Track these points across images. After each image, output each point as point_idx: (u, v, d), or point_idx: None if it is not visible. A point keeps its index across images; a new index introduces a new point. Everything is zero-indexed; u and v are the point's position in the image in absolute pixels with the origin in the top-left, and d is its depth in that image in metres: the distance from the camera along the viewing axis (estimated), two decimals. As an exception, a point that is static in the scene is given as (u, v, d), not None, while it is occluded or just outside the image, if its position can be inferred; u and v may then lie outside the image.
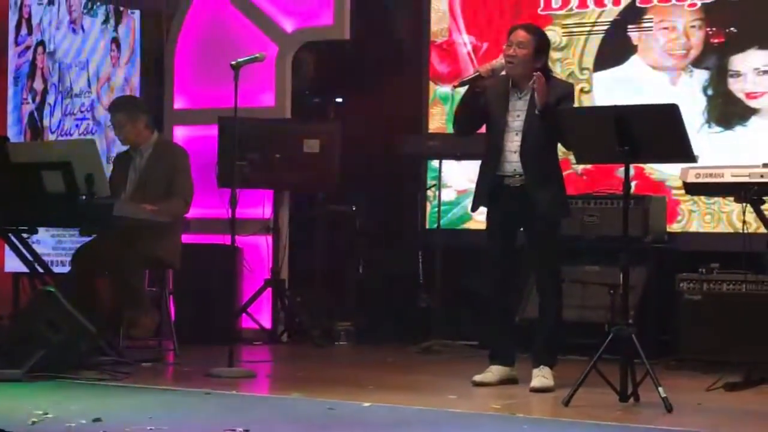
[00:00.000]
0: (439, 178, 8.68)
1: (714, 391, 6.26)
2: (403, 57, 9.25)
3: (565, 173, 6.70)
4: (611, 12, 8.50)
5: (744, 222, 6.53)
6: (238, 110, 6.97)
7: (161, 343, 8.25)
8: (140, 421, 5.07)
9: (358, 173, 8.91)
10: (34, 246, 7.47)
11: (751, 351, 6.83)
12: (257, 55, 7.20)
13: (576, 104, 7.21)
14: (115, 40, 9.77)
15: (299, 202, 9.33)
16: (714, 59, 8.19)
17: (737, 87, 8.11)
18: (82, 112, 9.91)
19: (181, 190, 7.70)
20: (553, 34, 8.32)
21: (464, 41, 9.00)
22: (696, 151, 5.88)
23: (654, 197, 8.00)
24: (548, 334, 6.49)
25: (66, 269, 8.45)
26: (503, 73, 6.47)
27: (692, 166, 6.31)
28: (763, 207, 6.42)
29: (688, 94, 8.15)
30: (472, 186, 6.76)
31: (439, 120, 9.05)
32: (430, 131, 9.02)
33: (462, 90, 6.62)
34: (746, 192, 6.23)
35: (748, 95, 8.08)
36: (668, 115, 5.75)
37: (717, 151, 8.02)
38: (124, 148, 8.00)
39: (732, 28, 8.13)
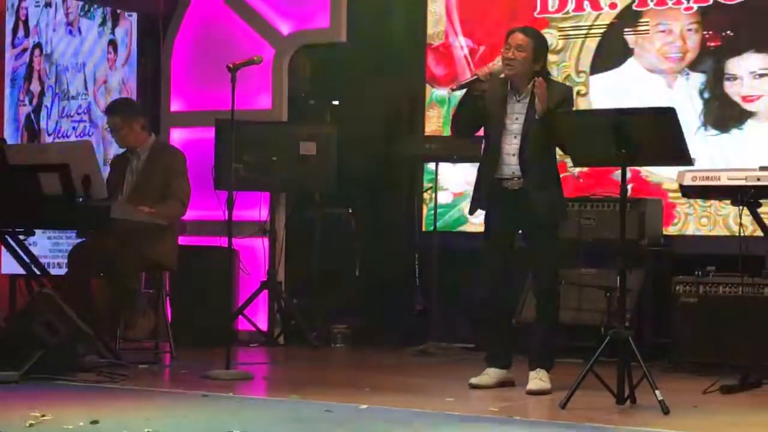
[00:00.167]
0: (435, 180, 8.68)
1: (710, 393, 6.27)
2: (399, 60, 9.25)
3: (561, 176, 6.70)
4: (608, 15, 8.51)
5: (740, 225, 6.54)
6: (235, 112, 6.98)
7: (158, 345, 8.23)
8: (137, 423, 5.07)
9: (354, 175, 8.92)
10: (31, 248, 7.47)
11: (748, 354, 6.84)
12: (254, 57, 7.21)
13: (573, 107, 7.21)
14: (112, 43, 9.77)
15: (296, 204, 9.33)
16: (710, 62, 8.20)
17: (733, 90, 8.12)
18: (78, 114, 9.91)
19: (178, 192, 7.70)
20: (550, 37, 8.32)
21: (461, 44, 9.00)
22: (692, 154, 5.89)
23: (650, 200, 8.00)
24: (545, 337, 6.49)
25: (63, 271, 8.44)
26: (502, 75, 6.48)
27: (689, 169, 6.32)
28: (759, 210, 6.43)
29: (685, 98, 8.16)
30: (469, 188, 6.77)
31: (436, 122, 9.06)
32: (426, 134, 9.03)
33: (460, 93, 6.63)
34: (743, 195, 6.25)
35: (745, 98, 8.09)
36: (665, 119, 5.76)
37: (713, 154, 8.05)
38: (121, 150, 8.01)
39: (728, 32, 8.13)
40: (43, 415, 5.15)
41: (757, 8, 8.06)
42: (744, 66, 8.08)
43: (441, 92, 9.05)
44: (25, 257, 7.21)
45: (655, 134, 5.77)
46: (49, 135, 10.06)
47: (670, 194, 8.14)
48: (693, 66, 8.25)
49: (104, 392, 6.21)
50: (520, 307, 7.89)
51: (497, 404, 5.90)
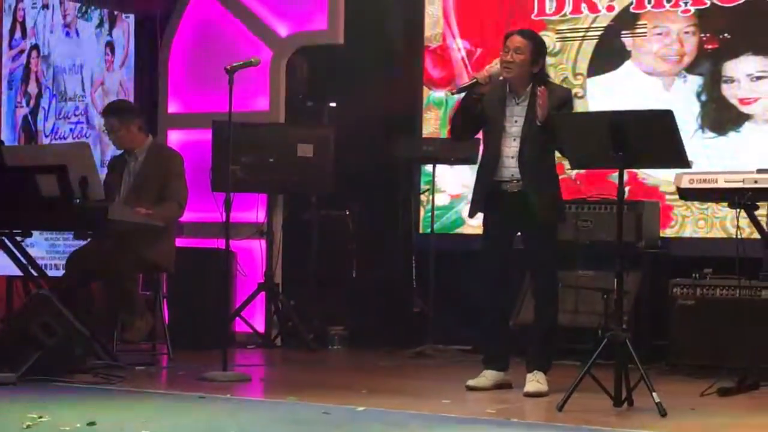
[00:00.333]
0: (432, 182, 8.68)
1: (708, 396, 6.27)
2: (397, 62, 9.25)
3: (559, 177, 6.70)
4: (605, 17, 8.51)
5: (737, 227, 6.54)
6: (233, 114, 6.98)
7: (155, 346, 8.26)
8: (134, 425, 5.07)
9: (351, 177, 8.91)
10: (28, 249, 7.46)
11: (745, 356, 6.84)
12: (252, 59, 7.21)
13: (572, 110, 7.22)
14: (110, 44, 9.77)
15: (293, 206, 9.33)
16: (707, 65, 8.21)
17: (731, 93, 8.12)
18: (76, 115, 9.90)
19: (176, 194, 7.71)
20: (547, 39, 8.29)
21: (458, 46, 9.01)
22: (690, 157, 5.89)
23: (647, 202, 8.01)
24: (543, 339, 6.49)
25: (60, 272, 8.44)
26: (501, 78, 6.48)
27: (686, 171, 6.32)
28: (756, 212, 6.44)
29: (682, 100, 8.16)
30: (466, 191, 6.78)
31: (433, 124, 9.06)
32: (423, 136, 9.03)
33: (458, 95, 6.63)
34: (740, 197, 6.24)
35: (742, 101, 8.10)
36: (663, 121, 5.76)
37: (710, 156, 8.05)
38: (119, 151, 8.00)
39: (725, 34, 8.14)
40: (41, 417, 5.14)
41: (754, 11, 8.07)
42: (741, 69, 8.08)
43: (438, 94, 9.05)
44: (22, 259, 7.20)
45: (652, 137, 5.78)
46: (46, 136, 10.06)
47: (667, 196, 8.15)
48: (690, 68, 8.26)
49: (101, 394, 6.20)
50: (518, 309, 7.89)
51: (494, 406, 5.90)
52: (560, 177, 6.71)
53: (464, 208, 8.62)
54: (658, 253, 7.99)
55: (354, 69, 9.17)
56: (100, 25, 9.82)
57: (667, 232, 8.18)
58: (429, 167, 8.75)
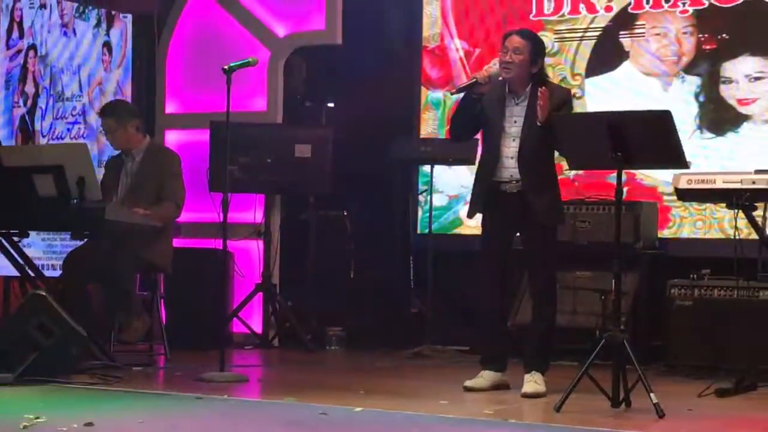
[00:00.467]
0: (430, 183, 8.68)
1: (705, 396, 6.26)
2: (395, 62, 9.25)
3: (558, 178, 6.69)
4: (603, 18, 8.51)
5: (735, 228, 6.54)
6: (230, 114, 6.97)
7: (152, 347, 8.26)
8: (132, 426, 5.07)
9: (349, 178, 8.91)
10: (25, 249, 7.45)
11: (742, 357, 6.85)
12: (249, 59, 7.20)
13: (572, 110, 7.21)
14: (107, 44, 9.76)
15: (291, 206, 9.32)
16: (706, 66, 8.21)
17: (729, 93, 8.12)
18: (73, 116, 9.89)
19: (173, 194, 7.70)
20: (545, 39, 8.29)
21: (456, 46, 9.00)
22: (688, 158, 5.88)
23: (645, 203, 8.00)
24: (541, 340, 6.48)
25: (57, 273, 8.43)
26: (500, 78, 6.47)
27: (684, 172, 6.31)
28: (754, 213, 6.43)
29: (680, 101, 8.16)
30: (464, 191, 6.77)
31: (431, 125, 9.06)
32: (421, 136, 9.03)
33: (456, 96, 6.62)
34: (738, 198, 6.24)
35: (740, 102, 8.09)
36: (661, 122, 5.76)
37: (709, 157, 8.05)
38: (116, 152, 8.00)
39: (724, 35, 8.14)
40: (37, 417, 5.13)
41: (752, 11, 8.07)
42: (739, 69, 8.08)
43: (436, 94, 9.05)
44: (19, 259, 7.20)
45: (650, 137, 5.77)
46: (43, 137, 10.04)
47: (665, 197, 8.15)
48: (688, 69, 8.26)
49: (98, 394, 6.19)
50: (516, 309, 7.89)
51: (492, 407, 5.90)
52: (559, 177, 6.70)
53: (462, 209, 8.62)
54: (656, 253, 7.99)
55: (352, 69, 9.17)
56: (98, 25, 9.81)
57: (665, 233, 8.18)
58: (427, 168, 8.74)
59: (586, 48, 8.57)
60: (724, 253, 7.20)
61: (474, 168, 6.84)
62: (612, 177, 6.12)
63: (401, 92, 9.19)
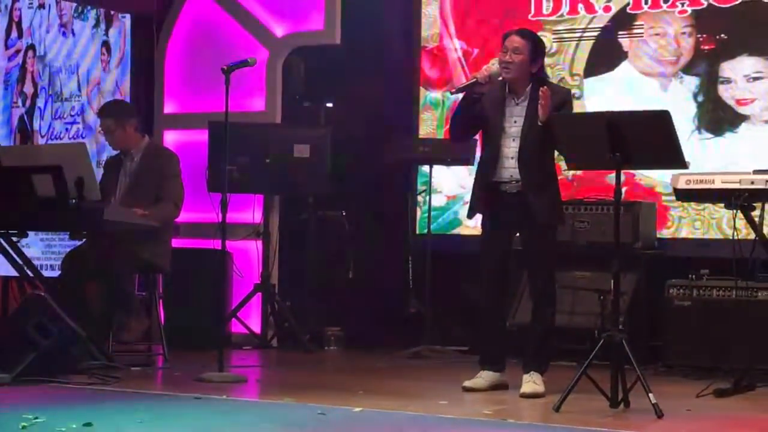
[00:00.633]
0: (429, 183, 8.68)
1: (704, 397, 6.26)
2: (394, 62, 9.25)
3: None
4: (602, 18, 8.51)
5: (734, 228, 6.54)
6: (229, 114, 6.96)
7: (151, 347, 8.25)
8: (130, 426, 5.07)
9: (348, 178, 8.91)
10: (24, 249, 7.45)
11: (741, 357, 6.84)
12: (248, 59, 7.19)
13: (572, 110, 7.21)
14: (106, 44, 9.76)
15: (289, 206, 9.32)
16: (704, 66, 8.21)
17: (727, 94, 8.12)
18: (72, 116, 9.89)
19: (172, 194, 7.70)
20: (544, 40, 8.29)
21: (455, 46, 9.00)
22: (686, 158, 5.88)
23: (644, 203, 8.01)
24: (540, 340, 6.48)
25: (56, 273, 8.43)
26: (500, 78, 6.46)
27: (683, 172, 6.31)
28: (753, 213, 6.44)
29: (679, 101, 8.16)
30: (463, 191, 6.77)
31: (430, 125, 9.05)
32: (420, 136, 9.03)
33: (456, 96, 6.61)
34: (736, 198, 6.25)
35: (738, 102, 8.10)
36: (660, 122, 5.76)
37: (707, 157, 8.05)
38: (115, 152, 8.00)
39: (722, 35, 8.14)
40: (36, 418, 5.13)
41: (751, 12, 8.07)
42: (738, 69, 8.09)
43: (435, 95, 9.05)
44: (18, 259, 7.19)
45: (649, 137, 5.77)
46: (42, 137, 10.05)
47: (664, 197, 8.15)
48: (687, 69, 8.26)
49: (97, 395, 6.19)
50: (515, 309, 7.89)
51: (491, 407, 5.90)
52: (559, 177, 6.70)
53: (461, 209, 8.63)
54: (655, 254, 7.99)
55: (351, 69, 9.16)
56: (96, 25, 9.81)
57: (664, 233, 8.18)
58: (426, 168, 8.74)
59: (585, 48, 8.57)
60: (722, 254, 7.22)
61: (473, 168, 6.83)
62: (611, 177, 6.12)
63: (400, 92, 9.19)
